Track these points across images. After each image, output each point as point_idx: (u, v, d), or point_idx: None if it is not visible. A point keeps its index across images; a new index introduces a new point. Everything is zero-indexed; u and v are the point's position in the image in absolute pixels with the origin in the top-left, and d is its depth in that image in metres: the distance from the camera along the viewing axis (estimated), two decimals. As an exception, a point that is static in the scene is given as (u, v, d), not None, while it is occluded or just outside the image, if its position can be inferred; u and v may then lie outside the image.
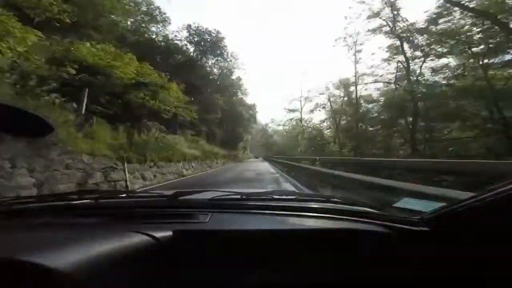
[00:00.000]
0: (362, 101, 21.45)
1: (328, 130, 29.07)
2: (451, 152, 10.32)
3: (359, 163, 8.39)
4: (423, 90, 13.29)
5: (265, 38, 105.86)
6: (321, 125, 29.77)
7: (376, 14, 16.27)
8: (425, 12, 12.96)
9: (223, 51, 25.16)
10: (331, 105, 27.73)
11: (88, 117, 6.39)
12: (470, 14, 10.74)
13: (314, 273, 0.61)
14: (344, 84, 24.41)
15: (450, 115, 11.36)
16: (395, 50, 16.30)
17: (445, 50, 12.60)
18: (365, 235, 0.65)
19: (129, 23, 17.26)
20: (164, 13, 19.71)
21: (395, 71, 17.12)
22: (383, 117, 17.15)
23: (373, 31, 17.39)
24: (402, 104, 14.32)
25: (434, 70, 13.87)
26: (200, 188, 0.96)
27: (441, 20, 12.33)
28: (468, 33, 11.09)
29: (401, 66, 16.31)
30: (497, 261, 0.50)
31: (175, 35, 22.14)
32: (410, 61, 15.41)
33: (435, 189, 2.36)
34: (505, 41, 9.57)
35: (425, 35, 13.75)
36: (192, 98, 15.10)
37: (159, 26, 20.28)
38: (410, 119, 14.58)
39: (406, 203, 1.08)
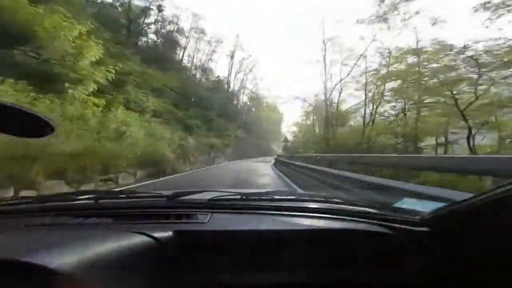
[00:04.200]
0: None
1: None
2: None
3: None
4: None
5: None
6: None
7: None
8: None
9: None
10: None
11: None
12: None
13: (314, 273, 0.61)
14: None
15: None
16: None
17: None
18: (365, 235, 0.65)
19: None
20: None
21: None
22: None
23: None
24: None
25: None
26: (200, 189, 0.96)
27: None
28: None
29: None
30: (498, 261, 0.50)
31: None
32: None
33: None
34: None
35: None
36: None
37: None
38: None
39: (406, 203, 1.08)
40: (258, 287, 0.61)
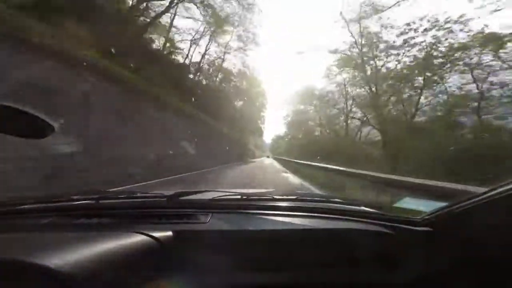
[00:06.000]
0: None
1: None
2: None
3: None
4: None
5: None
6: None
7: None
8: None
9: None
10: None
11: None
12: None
13: (315, 273, 0.61)
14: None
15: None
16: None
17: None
18: (366, 235, 0.65)
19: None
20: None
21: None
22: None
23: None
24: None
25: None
26: (201, 189, 0.96)
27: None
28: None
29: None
30: (497, 261, 0.50)
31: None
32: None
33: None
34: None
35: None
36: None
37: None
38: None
39: (407, 203, 1.08)
40: (258, 287, 0.61)
